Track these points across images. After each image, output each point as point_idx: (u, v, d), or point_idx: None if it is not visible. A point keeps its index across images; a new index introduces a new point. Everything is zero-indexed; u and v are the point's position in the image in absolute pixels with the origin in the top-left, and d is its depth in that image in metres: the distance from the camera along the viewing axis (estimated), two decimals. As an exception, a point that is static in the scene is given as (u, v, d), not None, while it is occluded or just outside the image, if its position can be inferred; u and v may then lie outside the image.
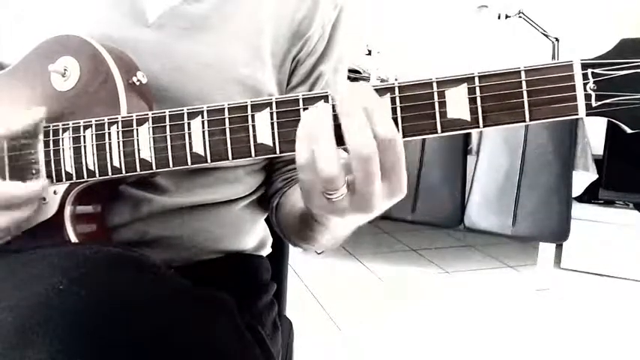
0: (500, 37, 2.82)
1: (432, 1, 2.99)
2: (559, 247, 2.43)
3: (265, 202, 0.77)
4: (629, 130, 0.43)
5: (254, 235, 0.76)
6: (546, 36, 2.54)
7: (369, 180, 0.43)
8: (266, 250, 0.81)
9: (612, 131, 2.47)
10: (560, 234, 2.10)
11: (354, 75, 2.54)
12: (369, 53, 2.73)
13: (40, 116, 0.56)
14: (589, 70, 0.43)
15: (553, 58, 2.55)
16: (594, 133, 2.27)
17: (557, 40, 2.53)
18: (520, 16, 2.54)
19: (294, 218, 0.63)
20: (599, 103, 0.43)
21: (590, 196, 2.48)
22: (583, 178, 2.17)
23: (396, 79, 0.47)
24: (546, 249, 2.30)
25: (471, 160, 2.24)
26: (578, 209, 2.39)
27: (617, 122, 0.43)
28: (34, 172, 0.56)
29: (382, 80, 2.59)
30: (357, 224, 0.51)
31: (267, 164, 0.76)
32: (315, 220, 0.53)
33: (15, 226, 0.55)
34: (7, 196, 0.53)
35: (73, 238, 0.56)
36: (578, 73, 0.43)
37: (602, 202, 2.54)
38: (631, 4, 2.60)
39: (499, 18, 2.62)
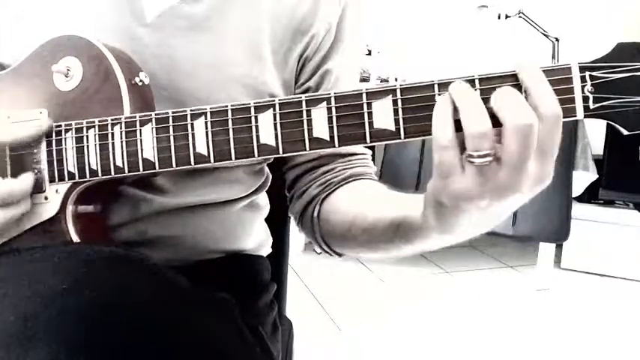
0: (500, 37, 2.82)
1: (432, 1, 2.99)
2: (559, 247, 2.43)
3: (284, 206, 0.76)
4: (625, 132, 0.44)
5: (254, 235, 0.76)
6: (546, 36, 2.54)
7: (524, 155, 0.40)
8: (266, 250, 0.81)
9: (612, 131, 2.47)
10: (560, 234, 2.10)
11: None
12: (369, 53, 2.73)
13: (47, 126, 0.56)
14: (587, 73, 0.43)
15: (553, 58, 2.56)
16: (594, 133, 2.27)
17: (557, 40, 2.53)
18: (520, 16, 2.54)
19: (368, 225, 0.60)
20: (597, 105, 0.43)
21: (590, 196, 2.47)
22: (583, 178, 2.17)
23: (396, 79, 0.46)
24: (546, 249, 2.30)
25: (471, 160, 2.23)
26: (578, 209, 2.39)
27: (613, 124, 0.44)
28: (36, 171, 0.56)
29: (382, 80, 2.58)
30: (483, 224, 0.48)
31: (292, 171, 0.74)
32: (417, 225, 0.51)
33: (10, 222, 0.55)
34: (3, 195, 0.53)
35: (75, 238, 0.56)
36: (576, 75, 0.43)
37: (602, 202, 2.54)
38: (631, 4, 2.61)
39: (499, 18, 2.62)
